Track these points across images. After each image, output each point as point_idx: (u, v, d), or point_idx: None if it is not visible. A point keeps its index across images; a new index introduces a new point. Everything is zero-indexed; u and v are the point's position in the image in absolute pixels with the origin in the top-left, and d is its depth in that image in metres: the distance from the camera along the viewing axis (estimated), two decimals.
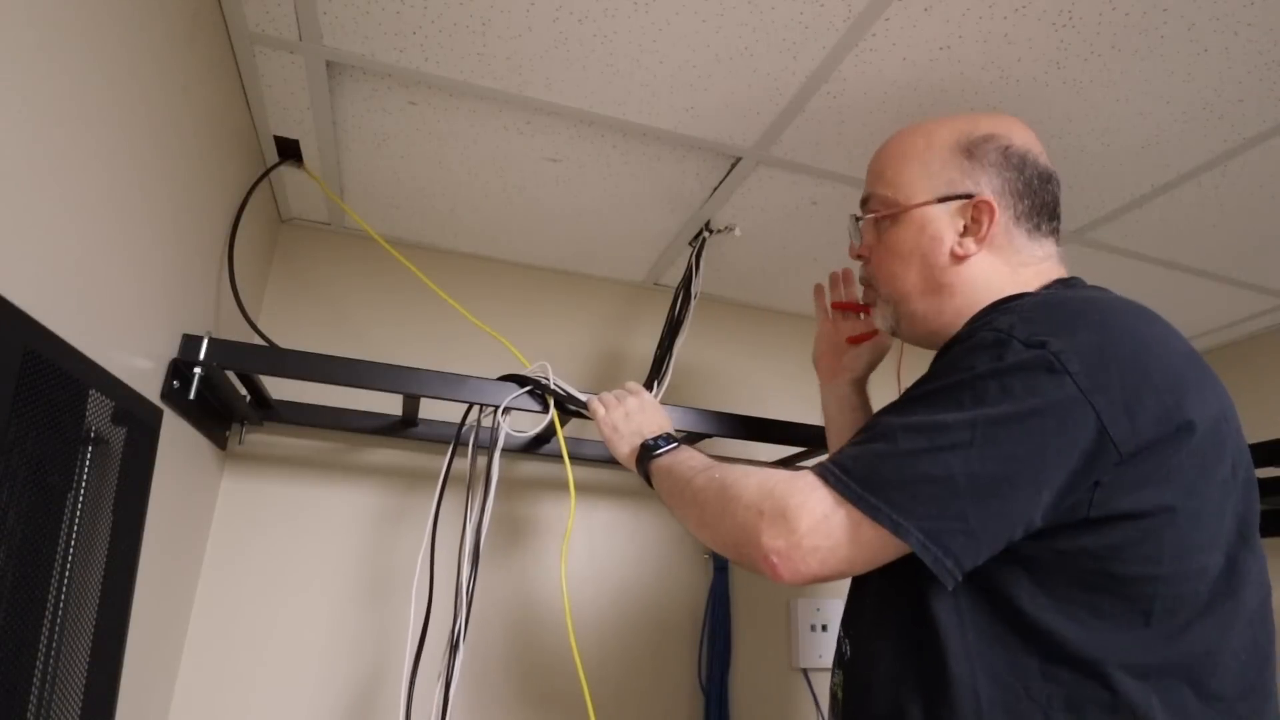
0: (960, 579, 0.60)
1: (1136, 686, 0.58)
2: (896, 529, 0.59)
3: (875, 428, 0.65)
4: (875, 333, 1.02)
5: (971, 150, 0.77)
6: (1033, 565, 0.61)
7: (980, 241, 0.75)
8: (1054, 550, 0.60)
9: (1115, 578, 0.59)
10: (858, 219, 0.85)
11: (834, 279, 1.08)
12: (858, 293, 1.01)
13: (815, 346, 1.08)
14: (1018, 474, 0.58)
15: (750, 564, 0.66)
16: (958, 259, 0.76)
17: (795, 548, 0.62)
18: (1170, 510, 0.59)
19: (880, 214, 0.81)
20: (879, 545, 0.61)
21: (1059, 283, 0.75)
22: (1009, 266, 0.76)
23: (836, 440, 1.04)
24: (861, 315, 1.04)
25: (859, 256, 0.86)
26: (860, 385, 1.04)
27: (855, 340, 1.03)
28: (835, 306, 1.07)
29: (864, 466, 0.62)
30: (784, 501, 0.64)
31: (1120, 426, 0.58)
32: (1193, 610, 0.60)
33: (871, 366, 1.04)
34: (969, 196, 0.76)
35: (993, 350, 0.62)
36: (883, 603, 0.70)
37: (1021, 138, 0.77)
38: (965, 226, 0.76)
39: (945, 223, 0.77)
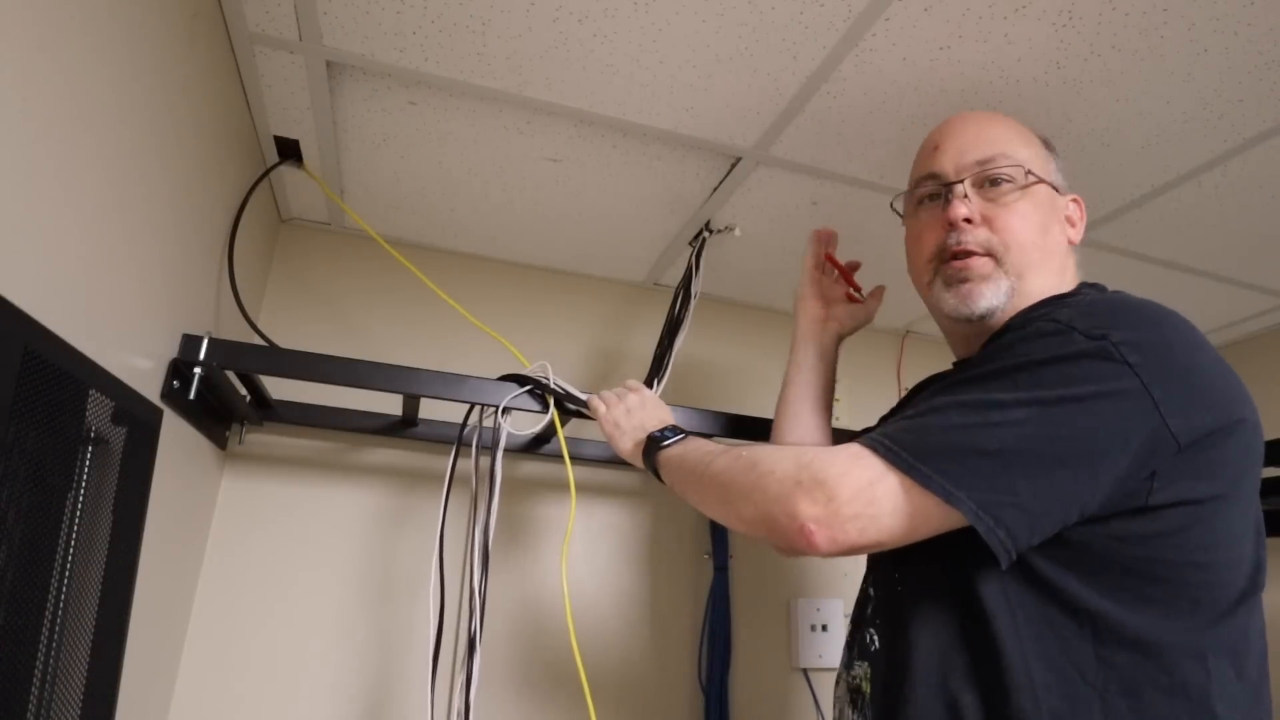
0: (1014, 556, 0.59)
1: (1191, 666, 0.59)
2: (949, 497, 0.59)
3: (929, 403, 0.65)
4: (862, 300, 1.04)
5: (1050, 149, 0.81)
6: (1083, 551, 0.61)
7: (1079, 236, 0.81)
8: (1107, 536, 0.61)
9: (1166, 564, 0.61)
10: (1031, 173, 0.77)
11: (829, 236, 1.05)
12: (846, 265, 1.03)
13: (800, 286, 1.03)
14: (1071, 455, 0.59)
15: (785, 536, 0.64)
16: (1068, 244, 0.80)
17: (835, 515, 0.61)
18: (1219, 499, 0.61)
19: (1017, 181, 0.76)
20: (924, 515, 0.61)
21: (1089, 285, 0.78)
22: (1071, 264, 0.80)
23: (805, 392, 0.99)
24: (851, 289, 1.04)
25: (966, 221, 0.76)
26: (838, 337, 1.03)
27: (853, 297, 1.04)
28: (829, 258, 1.03)
29: (915, 439, 0.62)
30: (823, 471, 0.63)
31: (1178, 418, 0.59)
32: (1232, 598, 0.62)
33: (854, 327, 1.04)
34: (1060, 191, 0.80)
35: (1053, 339, 0.63)
36: (923, 591, 0.69)
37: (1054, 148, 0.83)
38: (1068, 219, 0.80)
39: (1062, 208, 0.80)
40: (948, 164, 0.79)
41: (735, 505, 0.72)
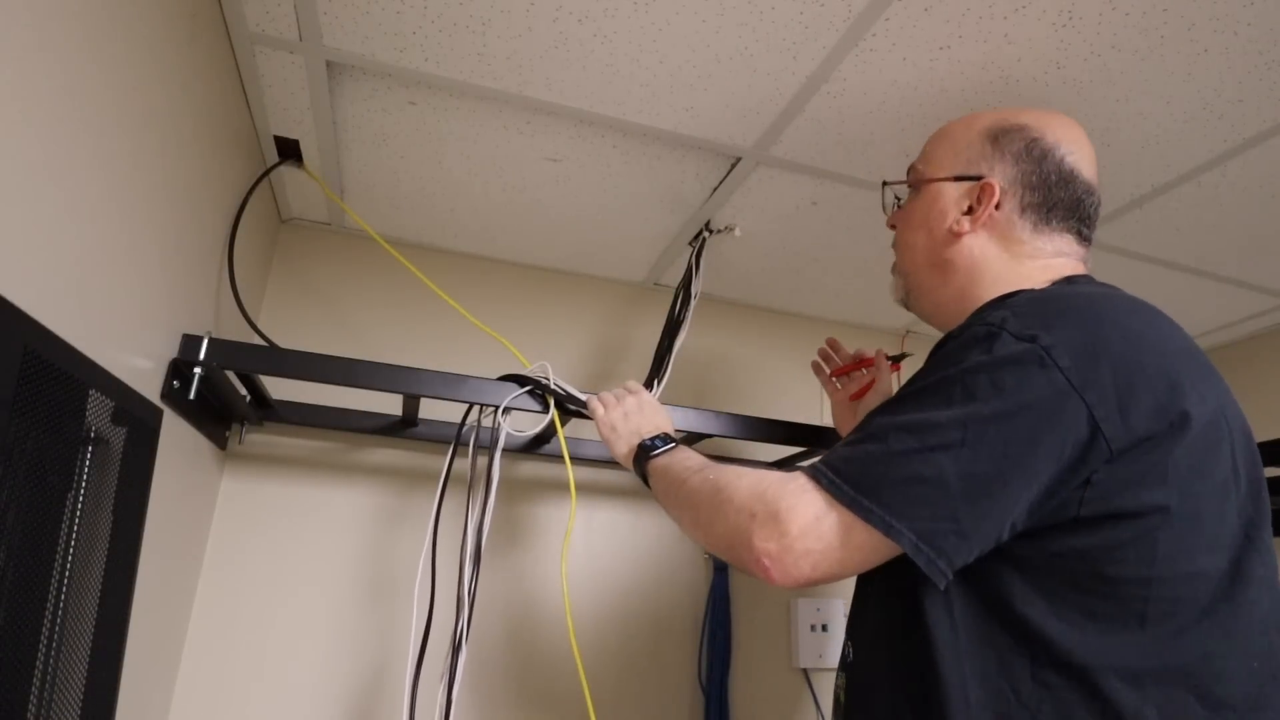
0: (950, 577, 0.59)
1: (1128, 693, 0.57)
2: (889, 530, 0.59)
3: (868, 427, 0.65)
4: (873, 381, 1.11)
5: (999, 137, 0.79)
6: (1025, 566, 0.60)
7: (975, 222, 0.77)
8: (1046, 552, 0.60)
9: (1107, 579, 0.59)
10: (886, 184, 0.91)
11: (824, 353, 1.19)
12: (848, 354, 1.16)
13: (834, 417, 1.16)
14: (1009, 471, 0.58)
15: (743, 566, 0.66)
16: (955, 235, 0.78)
17: (787, 551, 0.62)
18: (1164, 510, 0.58)
19: (904, 182, 0.87)
20: (871, 547, 0.61)
21: (1064, 279, 0.74)
22: (1010, 255, 0.76)
23: None
24: (864, 370, 1.14)
25: (891, 225, 0.89)
26: None
27: (858, 396, 1.11)
28: (837, 373, 1.16)
29: (856, 468, 0.62)
30: (775, 505, 0.63)
31: (1112, 422, 0.57)
32: (1191, 614, 0.59)
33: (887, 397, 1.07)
34: (978, 178, 0.78)
35: (984, 344, 0.62)
36: (881, 606, 0.70)
37: (1056, 135, 0.78)
38: (969, 207, 0.78)
39: (953, 200, 0.79)
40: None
41: (703, 528, 0.74)
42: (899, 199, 0.89)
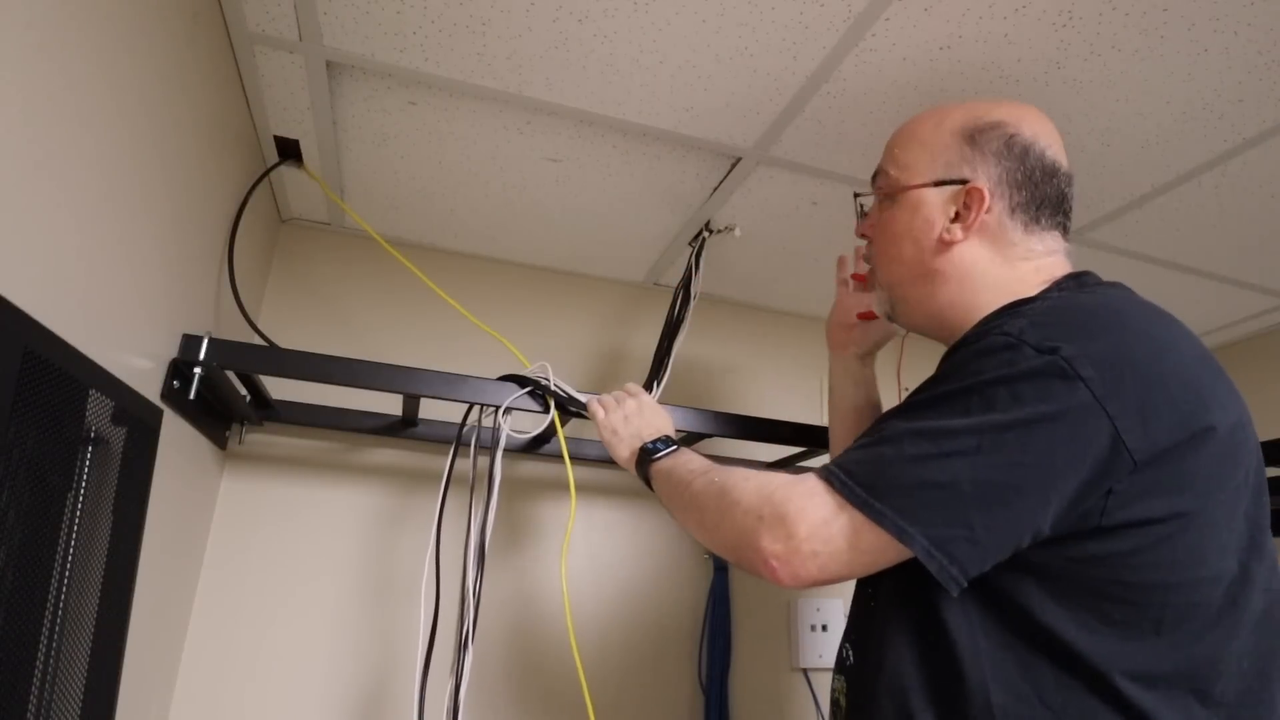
0: (964, 585, 0.59)
1: (1146, 696, 0.57)
2: (901, 535, 0.58)
3: (881, 431, 0.64)
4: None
5: (975, 136, 0.75)
6: (1043, 573, 0.60)
7: (968, 229, 0.74)
8: (1064, 558, 0.59)
9: (1127, 585, 0.58)
10: (857, 195, 0.87)
11: (857, 251, 1.05)
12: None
13: (830, 315, 1.07)
14: (1025, 481, 0.57)
15: (750, 567, 0.66)
16: (945, 245, 0.75)
17: (795, 552, 0.62)
18: (1184, 516, 0.58)
19: (881, 192, 0.82)
20: (880, 550, 0.61)
21: (1070, 279, 0.72)
22: (1003, 258, 0.74)
23: (838, 405, 1.04)
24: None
25: (863, 235, 0.86)
26: (867, 360, 1.04)
27: (863, 316, 1.03)
28: (855, 278, 1.06)
29: (869, 471, 0.62)
30: (783, 506, 0.63)
31: (1135, 433, 0.57)
32: (1205, 618, 0.59)
33: (878, 345, 1.04)
34: (963, 182, 0.74)
35: (1003, 355, 0.60)
36: (890, 610, 0.69)
37: (1032, 128, 0.75)
38: (957, 213, 0.74)
39: (938, 207, 0.75)
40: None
41: (709, 530, 0.73)
42: (864, 207, 0.86)
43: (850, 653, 0.74)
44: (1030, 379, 0.58)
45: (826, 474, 0.64)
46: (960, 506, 0.58)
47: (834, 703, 0.76)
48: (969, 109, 0.77)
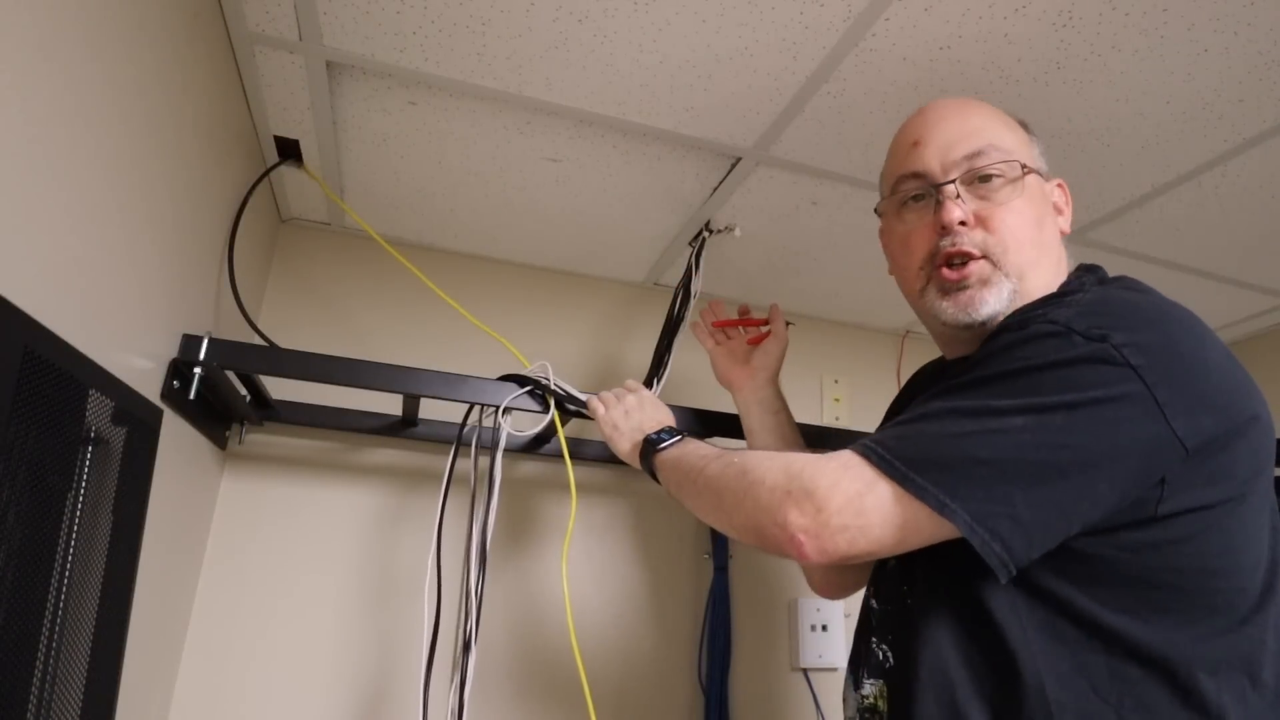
0: (1013, 571, 0.57)
1: (1207, 681, 0.57)
2: (942, 508, 0.57)
3: (923, 409, 0.63)
4: (769, 331, 1.10)
5: (1030, 132, 0.78)
6: (1094, 562, 0.60)
7: (1069, 223, 0.77)
8: (1115, 547, 0.59)
9: (1179, 571, 0.59)
10: (978, 176, 0.73)
11: (705, 312, 1.17)
12: (726, 312, 1.17)
13: (715, 368, 1.13)
14: (1071, 465, 0.57)
15: (775, 545, 0.64)
16: (1062, 234, 0.77)
17: (824, 526, 0.60)
18: (1230, 502, 0.59)
19: (1012, 176, 0.72)
20: (915, 526, 0.59)
21: (1085, 270, 0.75)
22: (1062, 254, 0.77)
23: (764, 438, 1.05)
24: (742, 329, 1.15)
25: (961, 224, 0.72)
26: (775, 382, 1.07)
27: (755, 341, 1.09)
28: (718, 325, 1.15)
29: (909, 445, 0.61)
30: (813, 481, 0.62)
31: (1185, 422, 0.57)
32: (1250, 602, 0.60)
33: (780, 360, 1.08)
34: (1044, 175, 0.77)
35: (1052, 342, 0.60)
36: (932, 605, 0.67)
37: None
38: (1056, 205, 0.77)
39: (1049, 196, 0.77)
40: (933, 161, 0.74)
41: (727, 512, 0.71)
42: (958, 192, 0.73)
43: (889, 655, 0.72)
44: (1081, 365, 0.58)
45: (864, 448, 0.63)
46: (1003, 483, 0.57)
47: (869, 710, 0.73)
48: (995, 106, 0.79)
